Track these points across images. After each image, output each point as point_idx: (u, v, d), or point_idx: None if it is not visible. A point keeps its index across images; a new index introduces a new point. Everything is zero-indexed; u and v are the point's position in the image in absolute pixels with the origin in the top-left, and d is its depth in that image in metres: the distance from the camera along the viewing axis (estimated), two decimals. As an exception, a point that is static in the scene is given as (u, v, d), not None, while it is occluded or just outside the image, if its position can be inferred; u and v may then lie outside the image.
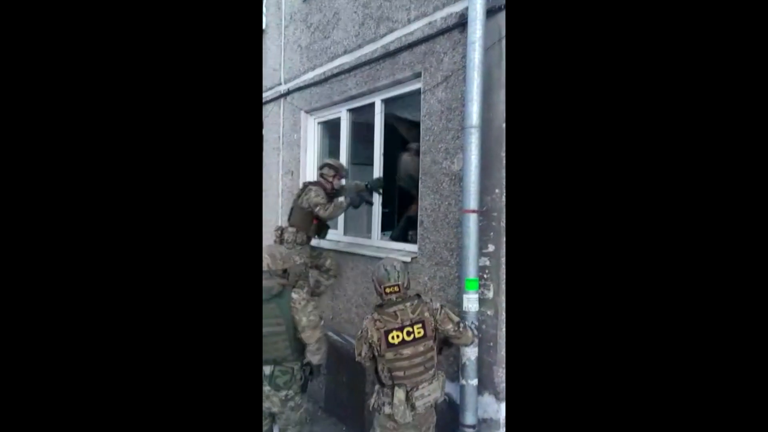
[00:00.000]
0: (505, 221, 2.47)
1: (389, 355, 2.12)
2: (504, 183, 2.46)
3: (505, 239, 2.47)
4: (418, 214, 3.01)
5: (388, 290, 2.18)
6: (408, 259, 3.06)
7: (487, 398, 2.52)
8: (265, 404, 2.39)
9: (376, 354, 2.15)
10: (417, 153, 3.10)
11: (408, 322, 2.14)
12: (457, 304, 2.56)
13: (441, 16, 2.78)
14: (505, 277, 2.47)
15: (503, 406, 2.51)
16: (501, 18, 2.44)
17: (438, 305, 2.24)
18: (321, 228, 3.49)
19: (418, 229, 3.01)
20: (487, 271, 2.51)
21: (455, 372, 2.65)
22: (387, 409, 2.14)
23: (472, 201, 2.47)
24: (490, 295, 2.51)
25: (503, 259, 2.48)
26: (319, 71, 4.01)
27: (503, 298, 2.49)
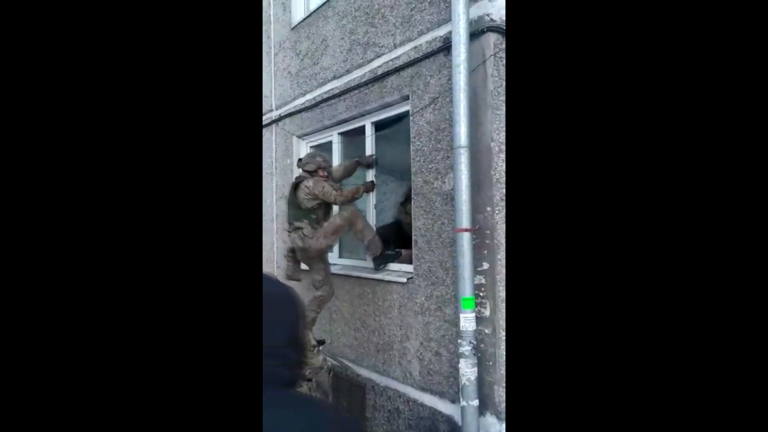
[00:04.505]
0: (501, 238, 2.48)
1: None
2: (494, 201, 2.48)
3: (499, 257, 2.48)
4: (413, 234, 3.03)
5: None
6: (404, 280, 3.06)
7: (489, 418, 2.49)
8: None
9: None
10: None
11: None
12: (455, 323, 2.56)
13: (426, 40, 2.84)
14: (504, 294, 2.47)
15: (505, 425, 2.48)
16: (484, 40, 2.50)
17: None
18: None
19: (413, 249, 3.02)
20: (482, 290, 2.52)
21: (456, 393, 2.62)
22: None
23: (464, 220, 2.49)
24: (487, 313, 2.50)
25: (498, 277, 2.49)
26: (309, 96, 4.07)
27: (500, 315, 2.48)
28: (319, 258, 3.36)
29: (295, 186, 3.31)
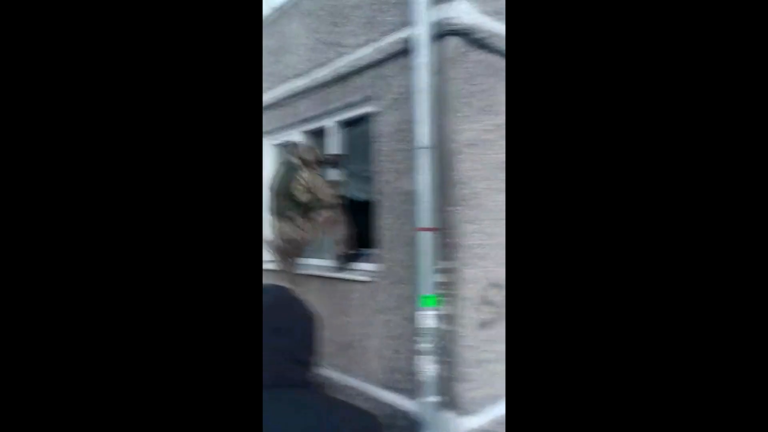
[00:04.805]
0: (461, 237, 2.54)
1: None
2: (455, 201, 2.54)
3: (460, 255, 2.54)
4: (376, 233, 3.05)
5: None
6: (366, 279, 3.08)
7: (448, 414, 2.54)
8: None
9: None
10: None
11: None
12: (416, 321, 2.60)
13: (388, 41, 2.87)
14: (464, 292, 2.53)
15: (464, 421, 2.54)
16: (446, 43, 2.55)
17: None
18: None
19: (376, 248, 3.04)
20: (443, 288, 2.57)
21: (416, 390, 2.66)
22: None
23: (425, 219, 2.54)
24: (448, 311, 2.56)
25: (459, 275, 2.55)
26: (271, 95, 4.03)
27: (460, 313, 2.54)
28: (302, 251, 3.36)
29: (288, 176, 3.23)
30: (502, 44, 2.73)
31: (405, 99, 2.77)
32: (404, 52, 2.74)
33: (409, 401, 2.76)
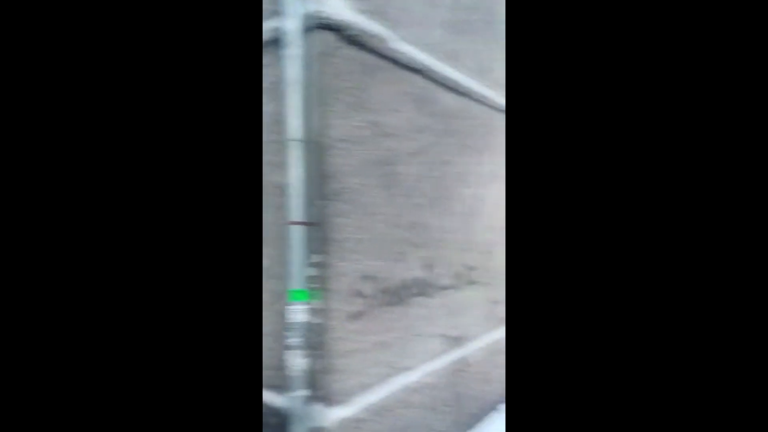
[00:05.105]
0: (333, 231, 2.56)
1: None
2: (327, 194, 2.55)
3: (331, 249, 2.56)
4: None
5: None
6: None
7: (317, 407, 2.56)
8: None
9: None
10: None
11: None
12: (288, 316, 2.57)
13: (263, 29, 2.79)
14: (336, 286, 2.55)
15: (334, 412, 2.58)
16: (320, 35, 2.55)
17: None
18: None
19: (248, 243, 2.95)
20: (315, 282, 2.57)
21: (284, 384, 2.64)
22: None
23: (297, 212, 2.52)
24: (318, 304, 2.57)
25: (330, 270, 2.57)
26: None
27: (331, 306, 2.57)
28: None
29: None
30: (375, 43, 2.79)
31: (278, 89, 2.71)
32: (277, 41, 2.68)
33: (280, 397, 2.73)
